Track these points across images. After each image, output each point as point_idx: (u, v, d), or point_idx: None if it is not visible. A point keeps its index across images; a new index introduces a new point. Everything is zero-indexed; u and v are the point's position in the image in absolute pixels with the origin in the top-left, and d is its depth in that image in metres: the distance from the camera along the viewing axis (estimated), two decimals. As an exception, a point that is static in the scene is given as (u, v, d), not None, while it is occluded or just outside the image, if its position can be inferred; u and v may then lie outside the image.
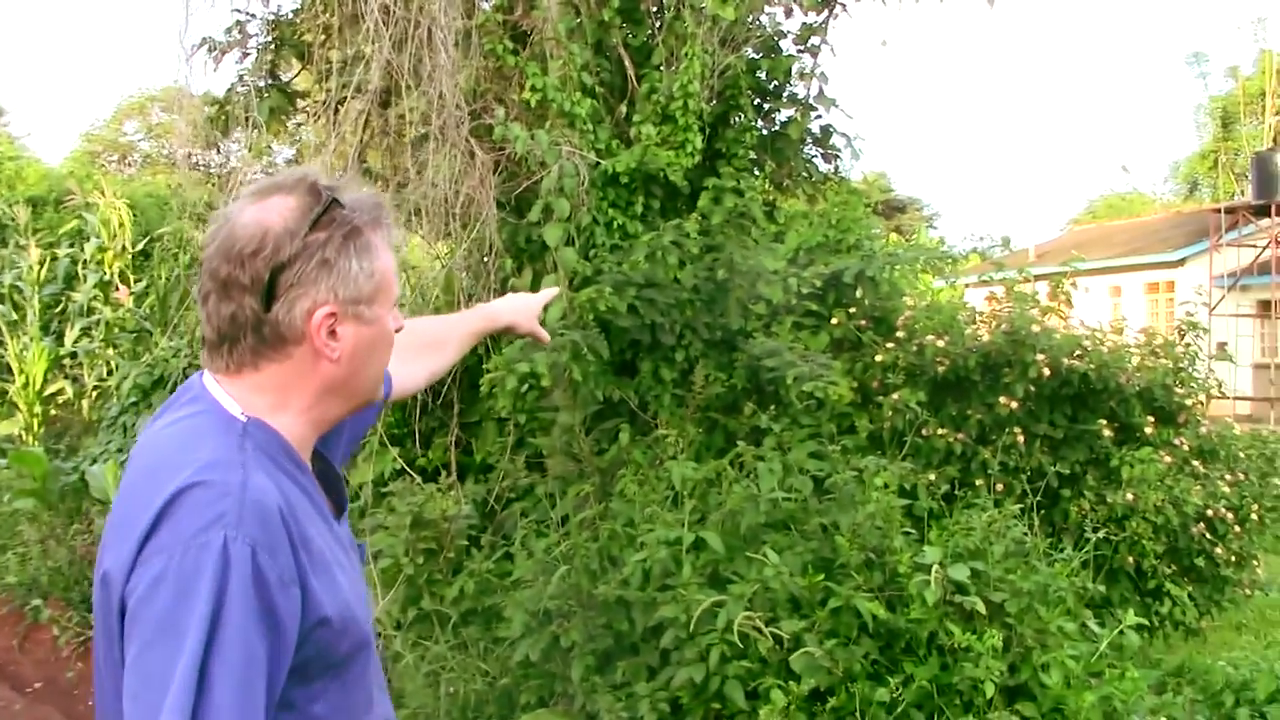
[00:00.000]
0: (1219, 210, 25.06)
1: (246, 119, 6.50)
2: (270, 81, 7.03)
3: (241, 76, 6.91)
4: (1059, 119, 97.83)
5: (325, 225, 1.53)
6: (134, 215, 15.61)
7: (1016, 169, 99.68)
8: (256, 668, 1.35)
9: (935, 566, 4.22)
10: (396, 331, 1.65)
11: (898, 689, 4.14)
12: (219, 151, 8.34)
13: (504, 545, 5.61)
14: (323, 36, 6.80)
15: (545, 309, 2.78)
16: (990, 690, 4.06)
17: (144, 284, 13.83)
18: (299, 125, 7.65)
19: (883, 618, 4.21)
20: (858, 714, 4.08)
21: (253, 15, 7.00)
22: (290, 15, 7.27)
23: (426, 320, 2.50)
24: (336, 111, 6.41)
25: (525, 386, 5.46)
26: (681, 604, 4.32)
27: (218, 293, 1.51)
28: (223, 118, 6.91)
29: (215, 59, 6.84)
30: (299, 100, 7.26)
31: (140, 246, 14.91)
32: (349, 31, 6.41)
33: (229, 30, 6.89)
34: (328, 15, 6.53)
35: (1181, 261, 27.09)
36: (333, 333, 1.55)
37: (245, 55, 6.96)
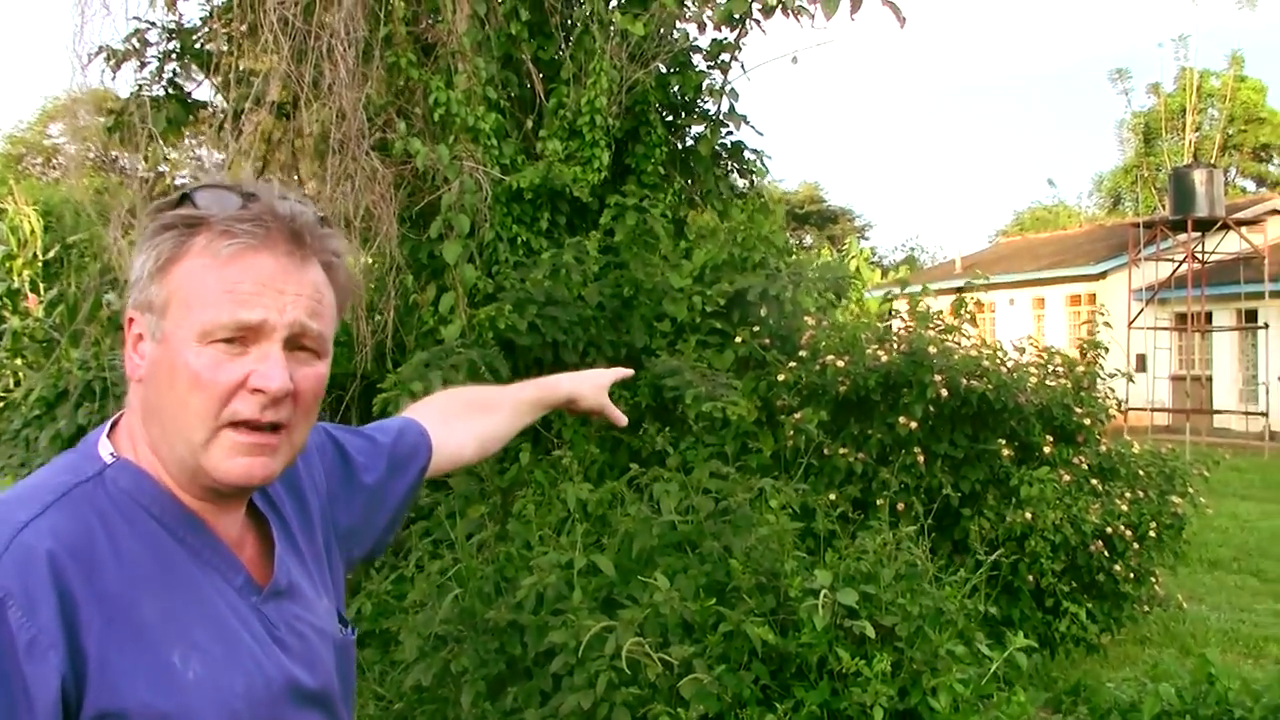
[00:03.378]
0: (1138, 225, 25.52)
1: (144, 129, 6.34)
2: (169, 91, 6.88)
3: (140, 86, 6.75)
4: (988, 131, 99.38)
5: (164, 219, 1.28)
6: (50, 222, 15.28)
7: (947, 181, 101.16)
8: None
9: (825, 591, 4.21)
10: (254, 390, 1.24)
11: (787, 714, 4.13)
12: (119, 152, 8.11)
13: (401, 565, 5.51)
14: (226, 45, 6.67)
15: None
16: (879, 715, 4.06)
17: (55, 292, 13.54)
18: (201, 137, 7.50)
19: (773, 642, 4.19)
20: (746, 740, 4.06)
21: (152, 24, 6.84)
22: (194, 23, 7.13)
23: (474, 388, 2.20)
24: (237, 122, 6.28)
25: (422, 406, 5.36)
26: (571, 629, 4.27)
27: None
28: (119, 127, 6.75)
29: (113, 68, 6.68)
30: (200, 110, 7.11)
31: (52, 253, 14.59)
32: (249, 41, 6.30)
33: (127, 39, 6.73)
34: (228, 25, 6.41)
35: (1102, 275, 27.56)
36: (139, 347, 1.29)
37: (144, 65, 6.80)
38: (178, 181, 7.55)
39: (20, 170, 36.61)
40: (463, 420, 1.91)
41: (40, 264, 14.20)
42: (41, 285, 13.99)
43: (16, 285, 13.65)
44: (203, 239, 1.25)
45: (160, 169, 7.29)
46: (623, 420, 2.22)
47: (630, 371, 2.39)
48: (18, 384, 12.32)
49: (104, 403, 9.37)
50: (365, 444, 1.70)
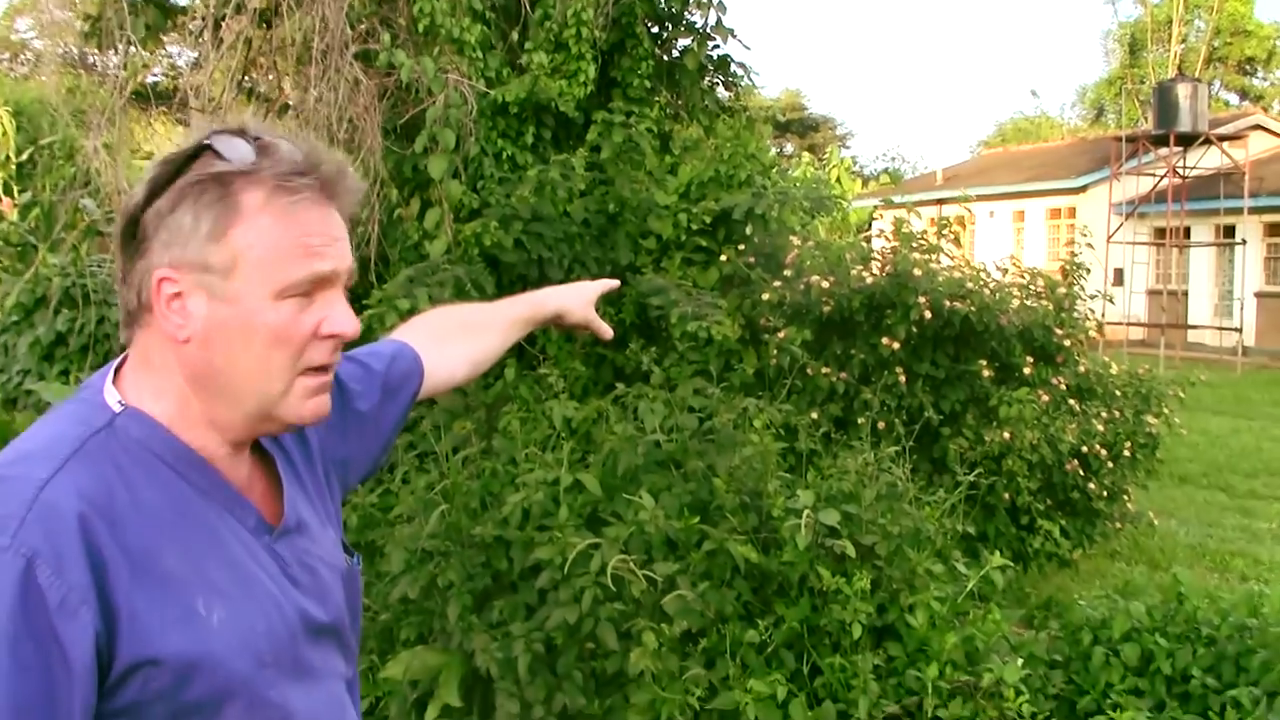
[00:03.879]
0: (1120, 139, 25.46)
1: (122, 35, 6.23)
2: (147, -3, 6.74)
3: (116, -10, 6.60)
4: (973, 40, 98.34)
5: (191, 171, 1.26)
6: (21, 122, 15.03)
7: (930, 90, 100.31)
8: (29, 705, 1.11)
9: (807, 510, 4.28)
10: (327, 336, 1.31)
11: (768, 630, 4.22)
12: (100, 53, 7.93)
13: (388, 480, 5.56)
14: (205, -51, 6.53)
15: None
16: (858, 631, 4.16)
17: (29, 195, 13.34)
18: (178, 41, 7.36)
19: (755, 560, 4.27)
20: (728, 655, 4.15)
21: (129, -75, 6.67)
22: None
23: (461, 306, 2.18)
24: (217, 30, 6.17)
25: (409, 322, 5.37)
26: (557, 545, 4.33)
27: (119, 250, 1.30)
28: (96, 33, 6.62)
29: (89, -30, 6.54)
30: (179, 16, 6.97)
31: (26, 155, 14.36)
32: (230, -54, 6.16)
33: (104, -61, 6.57)
34: (209, -73, 6.27)
35: (1083, 188, 27.56)
36: (183, 306, 1.27)
37: (121, -34, 6.64)
38: (149, 80, 7.44)
39: (-13, 67, 35.78)
40: (454, 342, 1.91)
41: (14, 166, 13.98)
42: (15, 188, 13.78)
43: (-11, 188, 13.45)
44: (256, 194, 1.26)
45: (153, 76, 7.18)
46: (609, 333, 2.21)
47: (616, 283, 2.38)
48: (-6, 289, 12.22)
49: (84, 309, 9.35)
50: (359, 370, 1.70)
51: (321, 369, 1.32)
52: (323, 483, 1.56)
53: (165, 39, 6.95)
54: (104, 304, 9.34)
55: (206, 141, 1.27)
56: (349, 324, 1.32)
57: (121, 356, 1.37)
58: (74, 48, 7.38)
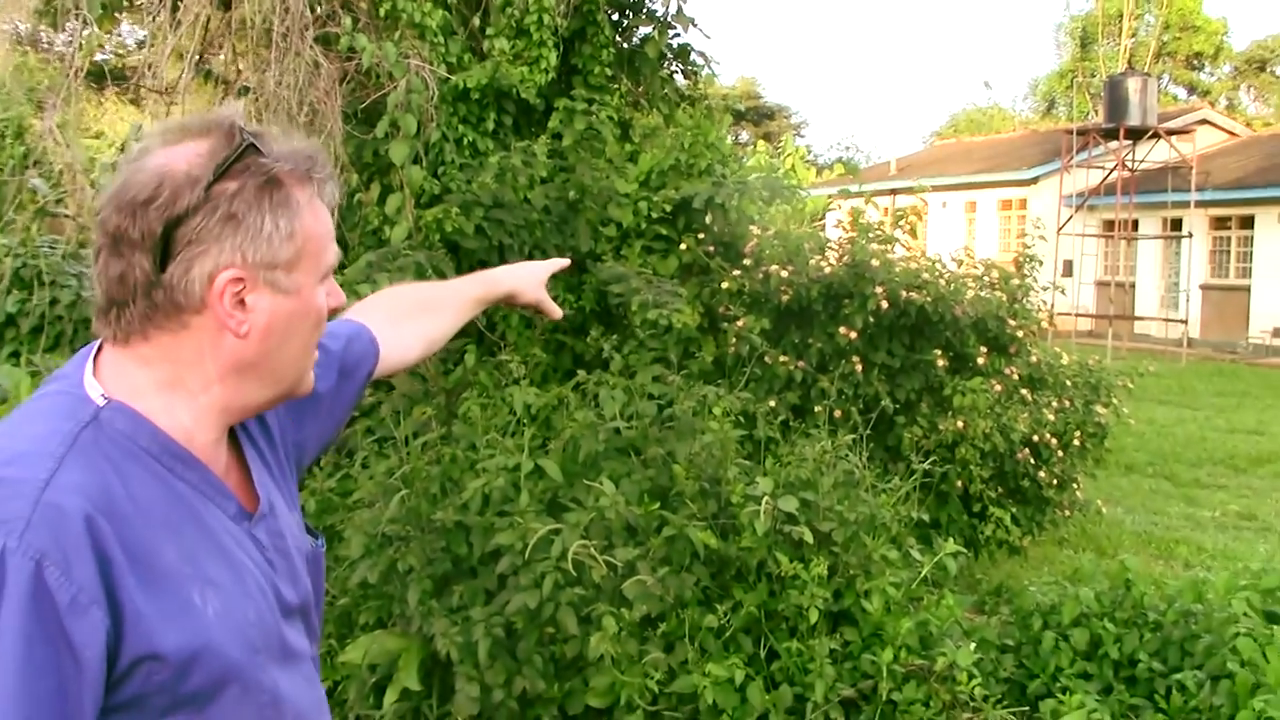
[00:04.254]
0: (1071, 131, 25.77)
1: (77, 14, 6.15)
2: (104, -26, 6.65)
3: (72, -33, 6.52)
4: (926, 31, 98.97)
5: (237, 174, 1.28)
6: (-34, 99, 14.74)
7: (884, 80, 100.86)
8: (40, 705, 1.12)
9: (766, 497, 4.34)
10: (334, 311, 1.42)
11: (726, 615, 4.28)
12: (62, 32, 7.80)
13: (346, 464, 5.56)
14: (162, -72, 6.46)
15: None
16: (815, 616, 4.22)
17: (-24, 175, 13.13)
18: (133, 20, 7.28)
19: (714, 546, 4.33)
20: (687, 639, 4.21)
21: (85, -99, 6.59)
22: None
23: (415, 285, 2.23)
24: (175, 11, 6.11)
25: (369, 307, 5.36)
26: (518, 530, 4.36)
27: (107, 249, 1.27)
28: (51, 11, 6.53)
29: (43, -53, 6.44)
30: (135, -4, 6.90)
31: (-28, 134, 14.11)
32: (189, -74, 6.10)
33: (59, -83, 6.48)
34: (166, -95, 6.20)
35: (1034, 180, 27.90)
36: (241, 302, 1.29)
37: (76, -55, 6.56)
38: (81, 64, 7.34)
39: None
40: (408, 321, 1.94)
41: (-40, 144, 13.72)
42: (-38, 167, 13.53)
43: (-64, 166, 13.18)
44: (302, 190, 1.34)
45: (102, 55, 7.09)
46: (558, 313, 2.25)
47: (566, 262, 2.43)
48: (-60, 268, 12.01)
49: (33, 290, 9.23)
50: (317, 353, 1.69)
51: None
52: (285, 463, 1.58)
53: (120, 17, 6.86)
54: (54, 285, 9.23)
55: (252, 140, 1.30)
56: (343, 295, 1.44)
57: (96, 346, 1.36)
58: (24, 25, 7.29)
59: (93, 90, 7.40)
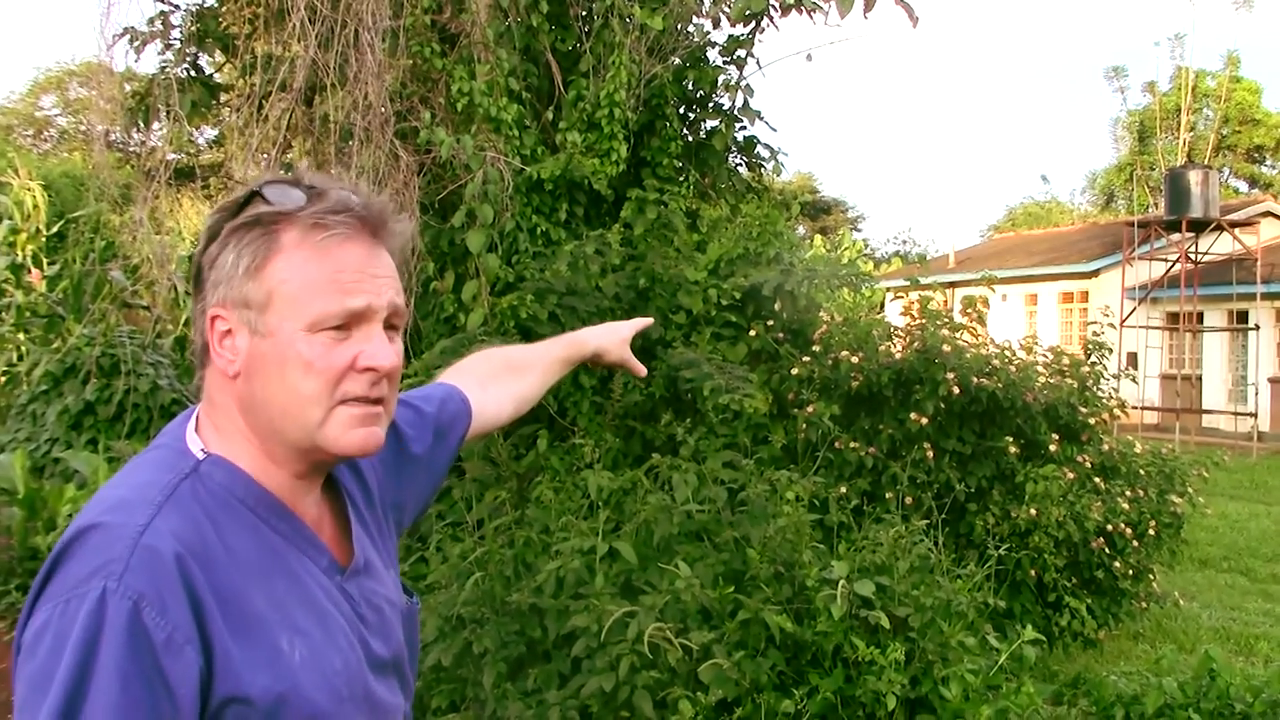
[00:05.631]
0: (1132, 224, 25.66)
1: (168, 112, 6.41)
2: (193, 74, 6.94)
3: (164, 68, 6.81)
4: (982, 126, 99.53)
5: (244, 218, 1.34)
6: (49, 195, 15.28)
7: (940, 174, 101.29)
8: None
9: (842, 581, 4.33)
10: (364, 370, 1.34)
11: (802, 700, 4.25)
12: (139, 130, 8.11)
13: (419, 549, 5.61)
14: (248, 29, 6.73)
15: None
16: (892, 702, 4.18)
17: (58, 267, 13.54)
18: (221, 118, 7.55)
19: (790, 630, 4.31)
20: (763, 724, 4.17)
21: (176, 6, 6.91)
22: (215, 5, 7.19)
23: (504, 348, 2.20)
24: (260, 107, 6.35)
25: (445, 391, 5.45)
26: (594, 613, 4.37)
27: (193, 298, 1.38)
28: (143, 109, 6.81)
29: (137, 49, 6.74)
30: (222, 94, 7.17)
31: (55, 229, 14.59)
32: (274, 26, 6.36)
33: (151, 21, 6.80)
34: (253, 8, 6.47)
35: (1095, 273, 27.71)
36: (232, 343, 1.34)
37: (168, 46, 6.86)
38: (171, 158, 7.60)
39: (12, 142, 36.33)
40: (498, 383, 1.96)
41: (43, 239, 14.19)
42: (44, 260, 13.98)
43: (20, 260, 13.63)
44: (294, 233, 1.32)
45: (176, 153, 7.35)
46: (642, 370, 2.28)
47: (650, 321, 2.44)
48: (21, 359, 12.36)
49: (111, 379, 9.47)
50: (412, 415, 1.74)
51: (362, 400, 1.35)
52: (383, 523, 1.62)
53: (208, 113, 7.13)
54: (132, 374, 9.48)
55: (256, 189, 1.35)
56: (385, 358, 1.35)
57: (197, 406, 1.43)
58: (115, 126, 7.57)
59: (171, 187, 7.65)
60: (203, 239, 1.36)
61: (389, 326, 1.38)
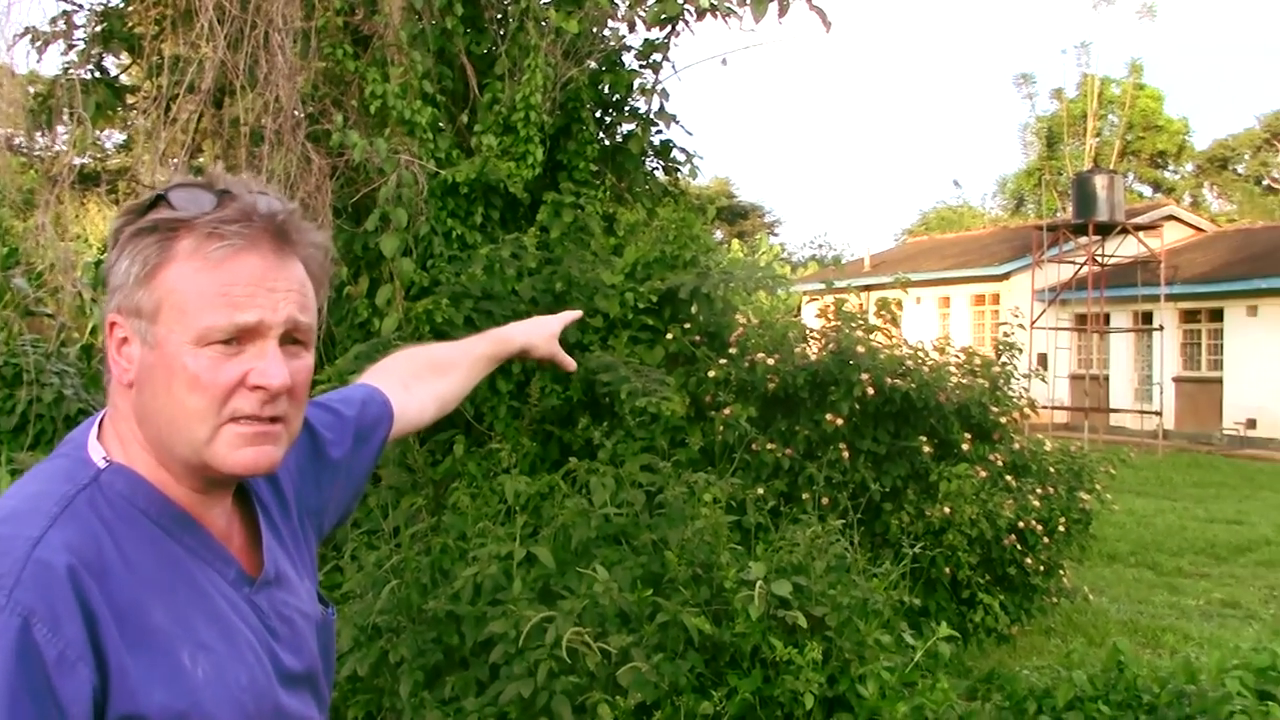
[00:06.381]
0: (1041, 227, 26.21)
1: (71, 114, 6.25)
2: (97, 76, 6.78)
3: (67, 69, 6.65)
4: (896, 131, 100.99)
5: (143, 223, 1.28)
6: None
7: (855, 179, 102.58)
8: None
9: (759, 582, 4.35)
10: (254, 388, 1.28)
11: (721, 702, 4.26)
12: (43, 133, 7.89)
13: (334, 557, 5.53)
14: (155, 29, 6.60)
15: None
16: (810, 702, 4.21)
17: (-45, 276, 13.13)
18: (128, 121, 7.39)
19: (708, 632, 4.32)
20: (682, 727, 4.17)
21: (80, 5, 6.75)
22: (120, 5, 7.03)
23: (428, 346, 2.15)
24: (168, 109, 6.22)
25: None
26: (511, 619, 4.34)
27: None
28: (46, 111, 6.64)
29: (39, 50, 6.57)
30: (128, 96, 7.02)
31: (-46, 235, 14.15)
32: (182, 27, 6.24)
33: (54, 21, 6.63)
34: (160, 8, 6.35)
35: (1006, 275, 28.24)
36: (129, 352, 1.30)
37: (71, 47, 6.70)
38: (74, 163, 7.44)
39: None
40: (422, 382, 1.92)
41: (-58, 246, 13.76)
42: (-58, 267, 13.55)
43: (-82, 267, 13.19)
44: (189, 241, 1.26)
45: (80, 157, 7.18)
46: (572, 365, 2.23)
47: (578, 314, 2.41)
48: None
49: (14, 388, 9.21)
50: (331, 418, 1.69)
51: (253, 418, 1.29)
52: (299, 532, 1.57)
53: (113, 115, 6.97)
54: (36, 384, 9.22)
55: (162, 192, 1.29)
56: (276, 376, 1.28)
57: (102, 411, 1.38)
58: (17, 130, 7.38)
59: (76, 191, 7.48)
60: (109, 242, 1.32)
61: (291, 342, 1.32)
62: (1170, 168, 48.81)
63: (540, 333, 2.15)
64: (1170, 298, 24.30)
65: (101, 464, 1.30)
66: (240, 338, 1.27)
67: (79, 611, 1.16)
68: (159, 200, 1.29)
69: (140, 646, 1.20)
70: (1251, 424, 22.73)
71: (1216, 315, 24.29)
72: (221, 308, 1.25)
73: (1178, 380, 24.89)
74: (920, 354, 6.52)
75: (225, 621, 1.32)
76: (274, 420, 1.31)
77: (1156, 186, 47.59)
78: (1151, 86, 45.66)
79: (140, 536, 1.27)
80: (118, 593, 1.21)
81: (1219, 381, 23.99)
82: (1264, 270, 23.03)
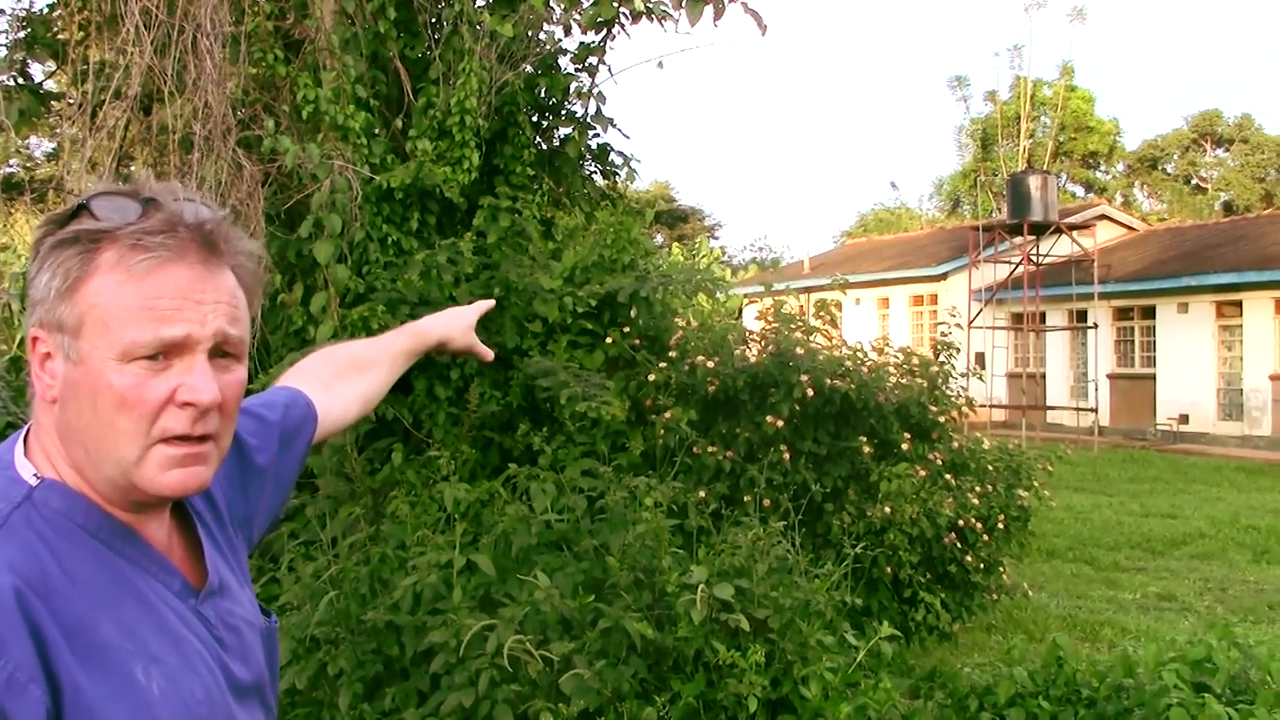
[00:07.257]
0: (977, 228, 26.54)
1: (-9, 121, 6.12)
2: (20, 82, 6.64)
3: (-12, 75, 6.51)
4: (834, 134, 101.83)
5: (65, 234, 1.23)
6: None
7: (794, 182, 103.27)
8: None
9: (701, 585, 4.33)
10: (183, 404, 1.23)
11: (665, 707, 4.24)
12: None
13: (271, 569, 5.45)
14: (80, 35, 6.47)
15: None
16: (754, 704, 4.20)
17: (-121, 286, 12.83)
18: (56, 128, 7.25)
19: (651, 637, 4.30)
20: (626, 733, 4.15)
21: (2, 10, 6.60)
22: (44, 11, 6.89)
23: (346, 345, 2.09)
24: (94, 115, 6.10)
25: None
26: (452, 628, 4.30)
27: None
28: (-35, 118, 6.49)
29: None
30: (54, 103, 6.88)
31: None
32: (108, 32, 6.12)
33: (-26, 26, 6.49)
34: (85, 13, 6.22)
35: (944, 276, 28.56)
36: (52, 367, 1.25)
37: (-9, 53, 6.56)
38: (4, 171, 7.30)
39: None
40: (343, 382, 1.88)
41: None
42: None
43: None
44: (112, 253, 1.21)
45: (4, 165, 7.03)
46: (489, 356, 2.20)
47: (492, 303, 2.37)
48: None
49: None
50: (255, 424, 1.65)
51: (184, 438, 1.25)
52: (234, 541, 1.54)
53: (36, 122, 6.82)
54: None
55: (84, 201, 1.24)
56: (206, 391, 1.23)
57: (26, 427, 1.33)
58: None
59: (2, 200, 7.32)
60: (30, 254, 1.26)
61: (221, 355, 1.27)
62: (1102, 168, 49.66)
63: (457, 324, 2.12)
64: (1104, 296, 24.70)
65: (33, 481, 1.25)
66: (167, 352, 1.22)
67: (26, 632, 1.12)
68: (81, 210, 1.24)
69: (92, 663, 1.17)
70: (1184, 419, 23.15)
71: (1149, 313, 24.71)
72: (146, 322, 1.21)
73: (1112, 377, 25.29)
74: (859, 355, 6.55)
75: (175, 634, 1.29)
76: (204, 439, 1.27)
77: (1089, 186, 48.39)
78: (1083, 88, 46.46)
79: (82, 552, 1.23)
80: (65, 610, 1.17)
81: (1152, 378, 24.41)
82: (1194, 268, 23.47)
